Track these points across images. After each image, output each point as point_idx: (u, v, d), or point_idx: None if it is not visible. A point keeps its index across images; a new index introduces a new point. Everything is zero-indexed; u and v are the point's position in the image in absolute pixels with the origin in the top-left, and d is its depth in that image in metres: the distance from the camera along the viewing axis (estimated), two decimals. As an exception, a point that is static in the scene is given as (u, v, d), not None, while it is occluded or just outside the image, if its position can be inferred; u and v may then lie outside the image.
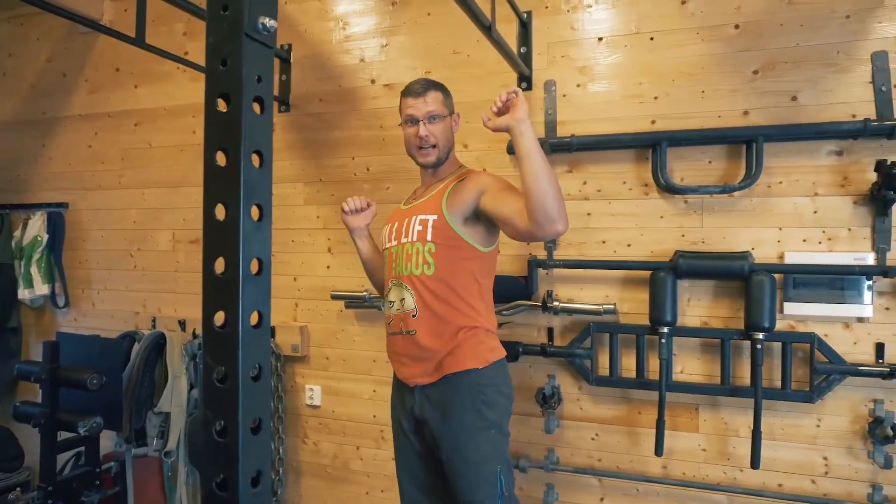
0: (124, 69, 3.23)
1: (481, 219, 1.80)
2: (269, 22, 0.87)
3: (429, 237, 1.80)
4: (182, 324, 3.05)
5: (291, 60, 2.88)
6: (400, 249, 1.87)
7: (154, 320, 3.13)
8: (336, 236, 2.82)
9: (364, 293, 2.67)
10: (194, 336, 2.92)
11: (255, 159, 0.86)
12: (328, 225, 2.83)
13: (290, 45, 2.88)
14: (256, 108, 0.87)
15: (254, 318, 0.85)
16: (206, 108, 0.87)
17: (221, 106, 0.85)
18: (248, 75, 0.85)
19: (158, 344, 2.91)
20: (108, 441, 2.91)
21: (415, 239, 1.82)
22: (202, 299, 0.85)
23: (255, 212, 0.85)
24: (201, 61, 1.05)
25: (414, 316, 1.80)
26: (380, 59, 2.75)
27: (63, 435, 2.44)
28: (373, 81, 2.76)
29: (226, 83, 0.85)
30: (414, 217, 1.86)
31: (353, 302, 2.71)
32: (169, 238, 3.14)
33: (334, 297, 2.72)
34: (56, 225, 3.32)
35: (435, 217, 1.82)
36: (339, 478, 2.84)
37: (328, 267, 2.84)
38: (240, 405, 0.81)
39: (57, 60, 3.42)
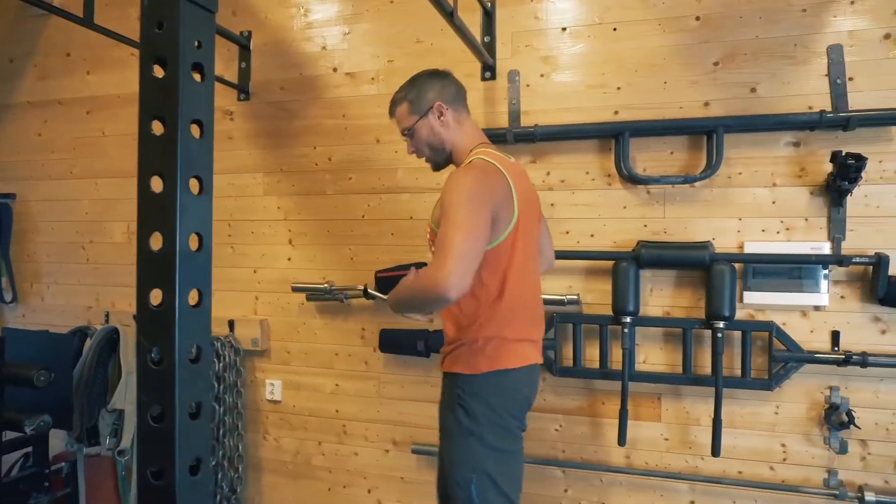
0: (76, 54, 3.10)
1: None
2: (208, -13, 0.82)
3: (431, 246, 1.74)
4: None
5: (251, 48, 2.81)
6: None
7: (107, 315, 3.02)
8: (297, 228, 2.76)
9: (326, 285, 2.61)
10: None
11: (195, 130, 0.82)
12: (289, 216, 2.77)
13: (249, 32, 2.81)
14: (196, 75, 0.83)
15: (193, 297, 0.81)
16: (141, 74, 0.82)
17: (157, 72, 0.81)
18: (186, 40, 0.80)
19: (112, 339, 2.80)
20: (58, 441, 2.80)
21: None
22: (136, 277, 0.80)
23: (194, 184, 0.80)
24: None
25: None
26: (342, 46, 2.69)
27: (10, 435, 2.33)
28: (335, 69, 2.70)
29: (162, 47, 0.80)
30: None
31: (314, 294, 2.65)
32: (123, 230, 3.03)
33: (295, 290, 2.66)
34: (2, 216, 3.18)
35: (430, 229, 1.76)
36: (301, 474, 2.79)
37: (289, 259, 2.77)
38: (177, 389, 0.77)
39: (4, 45, 3.28)
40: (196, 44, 0.84)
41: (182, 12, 0.80)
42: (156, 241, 0.79)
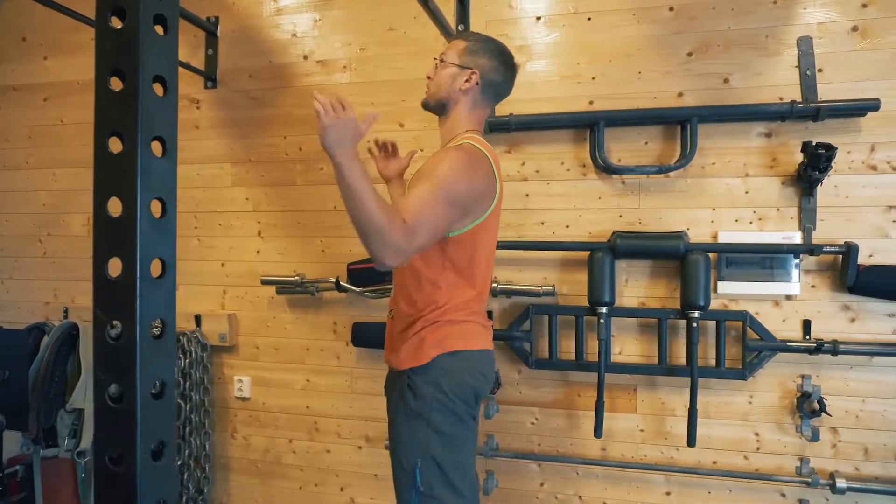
0: (32, 39, 2.97)
1: None
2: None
3: None
4: (98, 314, 2.83)
5: (219, 34, 2.72)
6: None
7: (66, 311, 2.90)
8: (267, 219, 2.68)
9: (297, 278, 2.54)
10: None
11: (158, 88, 0.76)
12: (258, 207, 2.69)
13: (217, 18, 2.73)
14: (159, 28, 0.77)
15: (156, 268, 0.75)
16: (97, 25, 0.76)
17: (115, 23, 0.74)
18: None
19: (71, 335, 2.68)
20: (13, 444, 2.67)
21: None
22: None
23: (157, 147, 0.75)
24: None
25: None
26: (313, 34, 2.63)
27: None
28: (305, 57, 2.64)
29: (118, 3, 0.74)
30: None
31: (284, 288, 2.58)
32: (83, 222, 2.92)
33: (265, 283, 2.59)
34: (-46, 209, 3.03)
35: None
36: (271, 473, 2.71)
37: (258, 252, 2.70)
38: (138, 366, 0.71)
39: (-45, 29, 3.13)
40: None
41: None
42: (114, 207, 0.73)
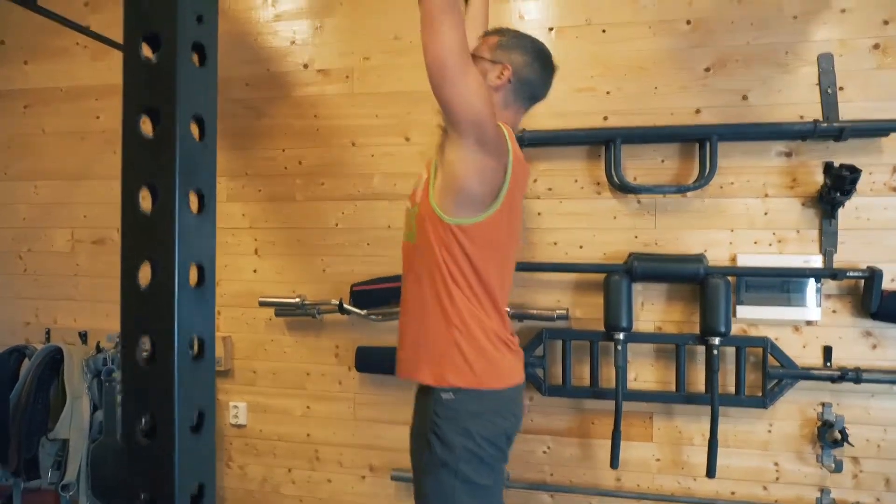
0: (12, 42, 2.81)
1: (452, 163, 1.40)
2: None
3: (418, 198, 1.53)
4: (83, 336, 2.68)
5: (212, 41, 2.59)
6: (406, 214, 1.60)
7: (48, 332, 2.74)
8: (264, 237, 2.55)
9: (297, 300, 2.42)
10: (98, 350, 2.56)
11: (195, 129, 0.65)
12: (255, 224, 2.56)
13: None
14: (195, 58, 0.66)
15: (193, 346, 0.63)
16: (126, 56, 0.65)
17: (147, 52, 0.63)
18: (184, 12, 0.63)
19: (54, 360, 2.53)
20: (-9, 474, 2.51)
21: (416, 201, 1.54)
22: (121, 321, 0.63)
23: (193, 200, 0.64)
24: (105, 34, 0.81)
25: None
26: (313, 41, 2.51)
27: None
28: (305, 66, 2.52)
29: (153, 21, 0.63)
30: (420, 176, 1.60)
31: (284, 310, 2.45)
32: (67, 237, 2.75)
33: (262, 305, 2.46)
34: (-74, 222, 2.85)
35: (426, 174, 1.54)
36: (269, 503, 2.58)
37: (255, 271, 2.57)
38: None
39: (-73, 32, 2.95)
40: (196, 18, 0.67)
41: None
42: (145, 275, 0.61)
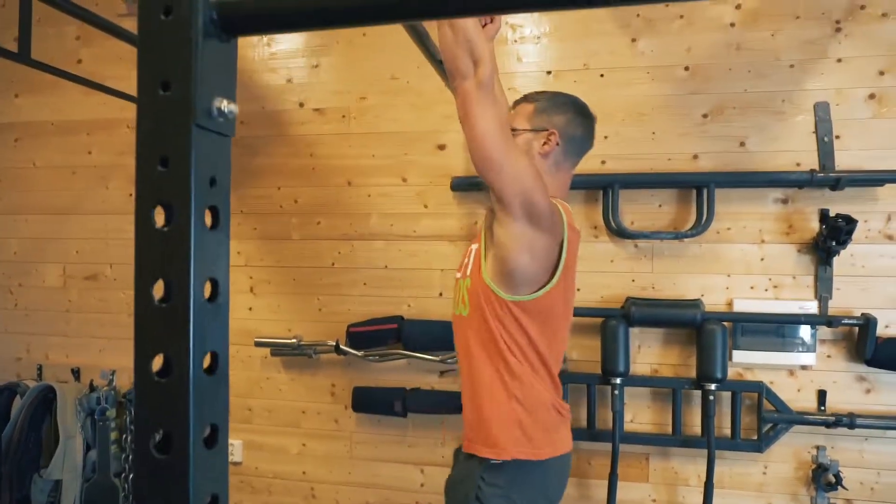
0: (2, 75, 2.76)
1: (503, 244, 1.37)
2: (227, 105, 0.64)
3: (469, 270, 1.50)
4: (76, 373, 2.66)
5: (207, 76, 2.56)
6: (457, 285, 1.57)
7: (40, 368, 2.71)
8: (259, 275, 2.54)
9: (293, 340, 2.41)
10: (91, 388, 2.54)
11: (208, 291, 0.64)
12: (250, 262, 2.55)
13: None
14: (208, 218, 0.65)
15: (207, 361, 0.63)
16: (137, 223, 0.64)
17: (158, 220, 0.62)
18: (199, 179, 0.63)
19: (47, 398, 2.51)
20: (-18, 514, 2.48)
21: (466, 273, 1.52)
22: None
23: (207, 216, 0.63)
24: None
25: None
26: (309, 80, 2.49)
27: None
28: (301, 105, 2.50)
29: (167, 190, 0.62)
30: (471, 245, 1.57)
31: (280, 350, 2.44)
32: (59, 273, 2.72)
33: (258, 345, 2.44)
34: (-86, 256, 2.80)
35: (476, 245, 1.52)
36: (264, 541, 2.58)
37: (250, 309, 2.55)
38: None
39: (-86, 60, 2.89)
40: (209, 181, 0.66)
41: (194, 144, 0.62)
42: (158, 291, 0.61)
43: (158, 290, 0.63)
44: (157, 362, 0.61)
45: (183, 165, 0.61)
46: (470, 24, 1.24)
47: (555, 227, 1.38)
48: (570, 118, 1.53)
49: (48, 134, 2.73)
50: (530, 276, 1.38)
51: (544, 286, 1.39)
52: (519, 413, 1.41)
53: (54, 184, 2.72)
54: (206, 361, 0.63)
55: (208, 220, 0.65)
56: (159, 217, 0.64)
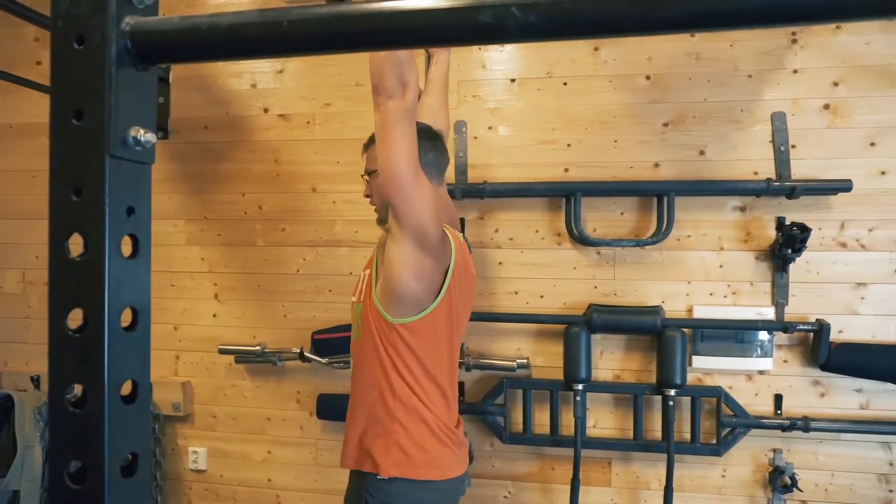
0: (-42, 77, 2.70)
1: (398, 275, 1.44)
2: (143, 135, 0.63)
3: (362, 295, 1.56)
4: (35, 380, 2.61)
5: (170, 81, 2.53)
6: (353, 309, 1.63)
7: (-2, 376, 2.66)
8: (224, 281, 2.52)
9: (257, 347, 2.40)
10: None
11: (126, 318, 0.64)
12: (214, 268, 2.53)
13: (168, 64, 2.53)
14: (126, 248, 0.64)
15: (125, 390, 0.62)
16: (51, 254, 0.63)
17: (73, 250, 0.61)
18: (114, 209, 0.62)
19: (5, 407, 2.46)
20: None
21: (360, 298, 1.58)
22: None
23: (126, 244, 0.62)
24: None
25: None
26: (274, 86, 2.48)
27: None
28: (266, 110, 2.48)
29: (81, 220, 0.61)
30: (364, 271, 1.63)
31: (244, 357, 2.43)
32: (17, 279, 2.67)
33: (222, 352, 2.42)
34: None
35: (368, 271, 1.58)
36: (229, 549, 2.56)
37: (214, 315, 2.53)
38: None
39: None
40: (127, 210, 0.65)
41: (109, 174, 0.61)
42: (74, 319, 0.60)
43: (75, 319, 0.62)
44: (75, 391, 0.60)
45: (97, 195, 0.60)
46: None
47: (443, 254, 1.46)
48: (433, 142, 1.58)
49: (7, 137, 2.68)
50: (415, 297, 1.44)
51: (426, 308, 1.46)
52: (400, 434, 1.46)
53: (13, 188, 2.67)
54: (126, 390, 0.62)
55: (126, 248, 0.64)
56: (76, 246, 0.64)
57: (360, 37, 0.58)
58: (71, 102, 0.60)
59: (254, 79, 2.49)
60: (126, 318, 0.63)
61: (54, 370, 0.60)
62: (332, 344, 2.35)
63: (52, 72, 0.59)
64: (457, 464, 1.55)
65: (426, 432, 1.48)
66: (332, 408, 2.36)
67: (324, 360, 2.35)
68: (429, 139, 1.58)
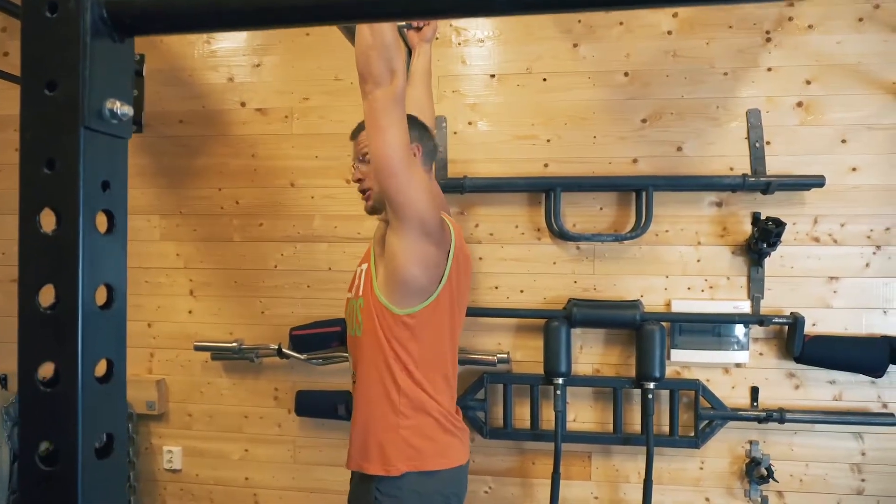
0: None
1: (398, 266, 1.43)
2: (120, 107, 0.61)
3: (361, 290, 1.54)
4: (2, 379, 2.54)
5: (144, 73, 2.49)
6: (349, 306, 1.60)
7: (-35, 377, 2.58)
8: (199, 277, 2.48)
9: (234, 344, 2.36)
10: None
11: (101, 296, 0.61)
12: (190, 264, 2.48)
13: (142, 56, 2.49)
14: (101, 224, 0.62)
15: (100, 369, 0.60)
16: (22, 230, 0.60)
17: (45, 226, 0.59)
18: (89, 183, 0.60)
19: (-28, 406, 2.39)
20: None
21: (359, 293, 1.55)
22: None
23: (101, 220, 0.60)
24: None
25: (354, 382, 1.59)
26: (251, 79, 2.45)
27: None
28: (243, 104, 2.45)
29: (53, 194, 0.59)
30: (360, 266, 1.61)
31: (220, 354, 2.39)
32: (-13, 276, 2.60)
33: (198, 349, 2.38)
34: None
35: (366, 265, 1.56)
36: (205, 550, 2.51)
37: (190, 312, 2.49)
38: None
39: None
40: (102, 185, 0.63)
41: (84, 147, 0.59)
42: (46, 297, 0.58)
43: (47, 296, 0.60)
44: (46, 371, 0.58)
45: (71, 168, 0.58)
46: (388, 32, 1.25)
47: (443, 240, 1.47)
48: (421, 132, 1.57)
49: (-26, 130, 2.60)
50: (421, 286, 1.44)
51: (431, 295, 1.45)
52: (407, 429, 1.45)
53: (-19, 182, 2.60)
54: (101, 369, 0.60)
55: (102, 224, 0.62)
56: (48, 221, 0.61)
57: (345, 7, 0.57)
58: (43, 72, 0.58)
59: (231, 72, 2.45)
60: (101, 295, 0.61)
61: (25, 348, 0.58)
62: (310, 340, 2.33)
63: (23, 39, 0.57)
64: (463, 450, 1.56)
65: (432, 423, 1.48)
66: (310, 405, 2.34)
67: (302, 357, 2.33)
68: (425, 129, 1.60)
